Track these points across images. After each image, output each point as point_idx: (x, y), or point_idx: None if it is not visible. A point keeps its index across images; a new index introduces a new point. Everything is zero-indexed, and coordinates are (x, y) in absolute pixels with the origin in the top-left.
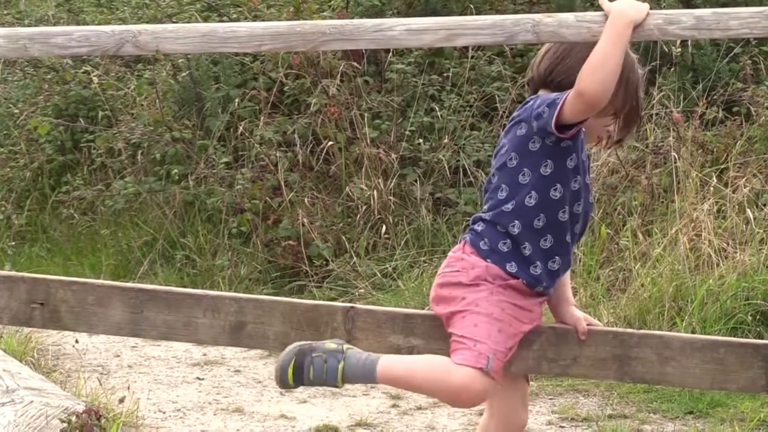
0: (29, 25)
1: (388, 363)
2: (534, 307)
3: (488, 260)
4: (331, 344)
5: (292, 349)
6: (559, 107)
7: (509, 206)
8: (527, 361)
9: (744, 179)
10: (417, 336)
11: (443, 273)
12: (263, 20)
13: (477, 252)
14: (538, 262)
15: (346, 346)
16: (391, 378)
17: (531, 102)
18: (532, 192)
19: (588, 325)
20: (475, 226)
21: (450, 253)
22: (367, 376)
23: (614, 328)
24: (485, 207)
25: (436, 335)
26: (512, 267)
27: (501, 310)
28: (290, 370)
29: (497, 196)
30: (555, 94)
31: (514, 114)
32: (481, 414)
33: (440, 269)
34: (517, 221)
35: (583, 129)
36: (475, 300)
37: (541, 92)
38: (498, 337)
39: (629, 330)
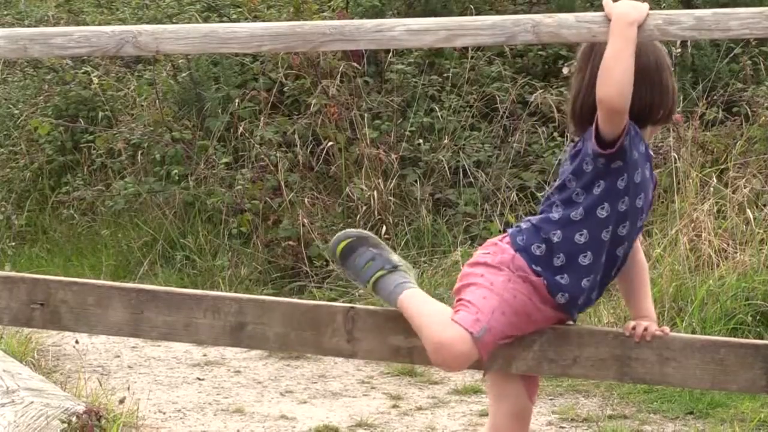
0: (29, 26)
1: (410, 296)
2: (546, 315)
3: (518, 253)
4: (393, 255)
5: (359, 231)
6: (594, 124)
7: (556, 216)
8: (527, 361)
9: (744, 179)
10: (418, 336)
11: (475, 254)
12: (263, 21)
13: (512, 243)
14: (566, 275)
15: (403, 265)
16: (405, 309)
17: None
18: (580, 208)
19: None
20: (521, 223)
21: (489, 240)
22: (391, 298)
23: (614, 328)
24: (538, 215)
25: None
26: (537, 267)
27: (513, 297)
28: (344, 244)
29: (550, 210)
30: None
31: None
32: (482, 415)
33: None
34: (559, 231)
35: (644, 143)
36: (492, 280)
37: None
38: (500, 318)
39: None
